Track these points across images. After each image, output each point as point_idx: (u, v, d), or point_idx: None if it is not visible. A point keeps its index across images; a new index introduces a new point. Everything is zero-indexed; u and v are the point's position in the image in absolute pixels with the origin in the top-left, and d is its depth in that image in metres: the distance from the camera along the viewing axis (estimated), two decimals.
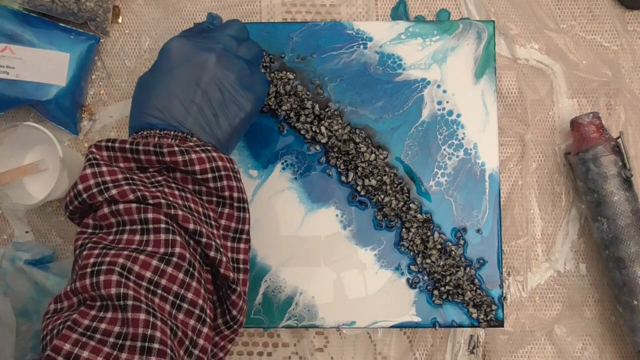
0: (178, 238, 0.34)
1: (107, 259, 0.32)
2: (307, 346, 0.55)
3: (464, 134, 0.52)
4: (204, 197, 0.38)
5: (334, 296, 0.50)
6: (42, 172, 0.52)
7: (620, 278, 0.50)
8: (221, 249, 0.36)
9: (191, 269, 0.34)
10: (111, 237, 0.34)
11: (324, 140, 0.52)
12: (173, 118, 0.39)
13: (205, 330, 0.34)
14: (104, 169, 0.35)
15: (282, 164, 0.52)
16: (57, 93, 0.54)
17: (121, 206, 0.34)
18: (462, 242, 0.51)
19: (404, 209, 0.51)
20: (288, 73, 0.52)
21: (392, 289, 0.50)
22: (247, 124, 0.43)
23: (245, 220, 0.39)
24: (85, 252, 0.33)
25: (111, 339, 0.30)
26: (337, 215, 0.51)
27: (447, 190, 0.51)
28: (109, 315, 0.31)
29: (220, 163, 0.37)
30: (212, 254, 0.35)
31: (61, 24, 0.55)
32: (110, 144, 0.37)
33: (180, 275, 0.33)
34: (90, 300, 0.32)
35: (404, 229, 0.51)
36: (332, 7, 0.58)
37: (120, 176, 0.35)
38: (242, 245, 0.39)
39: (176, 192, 0.36)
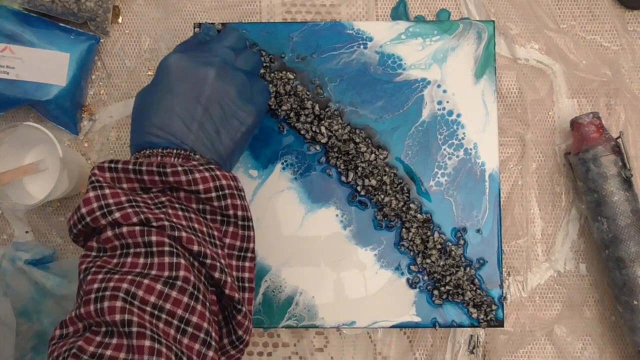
0: (182, 261, 0.34)
1: (111, 284, 0.32)
2: (307, 346, 0.55)
3: (464, 133, 0.52)
4: (208, 216, 0.38)
5: (334, 296, 0.50)
6: (42, 172, 0.52)
7: (620, 278, 0.50)
8: (226, 269, 0.36)
9: (196, 292, 0.34)
10: (115, 261, 0.34)
11: (324, 140, 0.52)
12: (175, 136, 0.39)
13: (211, 354, 0.34)
14: (107, 191, 0.35)
15: (282, 164, 0.52)
16: (57, 93, 0.54)
17: (125, 229, 0.34)
18: (462, 242, 0.51)
19: (404, 209, 0.51)
20: (288, 73, 0.52)
21: (392, 289, 0.50)
22: (249, 137, 0.43)
23: (250, 238, 0.39)
24: (89, 277, 0.33)
25: None
26: (337, 215, 0.51)
27: (447, 190, 0.51)
28: (114, 341, 0.31)
29: (224, 182, 0.37)
30: (217, 275, 0.35)
31: (61, 24, 0.55)
32: (113, 165, 0.37)
33: (185, 299, 0.33)
34: (95, 326, 0.32)
35: (404, 229, 0.51)
36: (332, 7, 0.58)
37: (123, 198, 0.35)
38: (247, 264, 0.39)
39: (180, 213, 0.36)
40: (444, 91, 0.52)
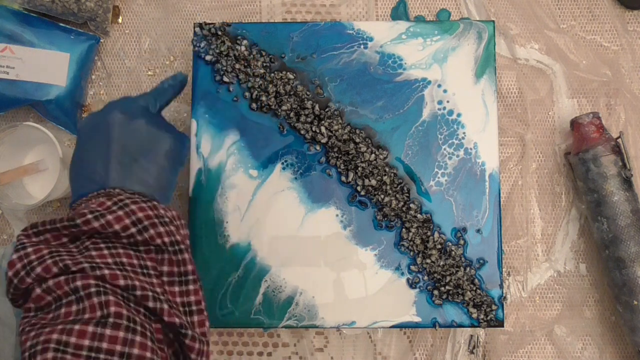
0: (111, 297, 0.34)
1: (42, 337, 0.32)
2: (307, 346, 0.55)
3: (464, 133, 0.52)
4: (142, 248, 0.38)
5: (334, 296, 0.50)
6: (42, 172, 0.52)
7: (620, 278, 0.50)
8: (161, 297, 0.36)
9: (132, 325, 0.34)
10: (51, 315, 0.34)
11: (324, 140, 0.52)
12: (97, 181, 0.39)
13: None
14: (29, 249, 0.35)
15: (282, 164, 0.52)
16: (57, 93, 0.54)
17: (50, 282, 0.34)
18: (462, 242, 0.51)
19: (404, 209, 0.51)
20: (288, 73, 0.52)
21: (392, 289, 0.50)
22: (177, 158, 0.43)
23: (185, 261, 0.39)
24: (23, 337, 0.33)
25: None
26: (337, 215, 0.51)
27: (447, 190, 0.51)
28: None
29: (140, 214, 0.37)
30: (150, 304, 0.35)
31: (61, 24, 0.55)
32: (35, 230, 0.37)
33: (121, 334, 0.33)
34: None
35: (404, 229, 0.51)
36: (332, 7, 0.58)
37: (45, 252, 0.35)
38: (190, 287, 0.39)
39: (105, 252, 0.36)
40: (445, 91, 0.52)
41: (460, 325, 0.50)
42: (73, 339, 0.32)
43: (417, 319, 0.50)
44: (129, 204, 0.37)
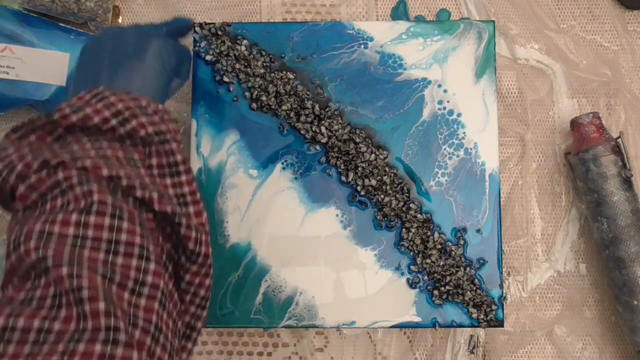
0: (94, 186, 0.33)
1: (25, 229, 0.31)
2: (307, 346, 0.55)
3: (464, 133, 0.52)
4: (128, 141, 0.37)
5: (334, 296, 0.50)
6: None
7: (620, 278, 0.50)
8: (149, 185, 0.35)
9: (118, 211, 0.33)
10: (37, 212, 0.33)
11: (324, 140, 0.52)
12: (87, 85, 0.39)
13: (152, 266, 0.33)
14: (10, 150, 0.34)
15: (282, 163, 0.52)
16: (57, 93, 0.54)
17: (33, 178, 0.33)
18: (462, 242, 0.51)
19: (404, 209, 0.51)
20: (288, 73, 0.52)
21: (392, 289, 0.50)
22: (174, 68, 0.43)
23: (172, 151, 0.37)
24: (9, 233, 0.33)
25: (48, 301, 0.30)
26: (337, 215, 0.51)
27: (447, 190, 0.51)
28: (42, 281, 0.30)
29: (120, 105, 0.36)
30: (138, 193, 0.34)
31: (61, 24, 0.55)
32: (18, 134, 0.36)
33: (107, 220, 0.32)
34: (25, 273, 0.31)
35: (404, 229, 0.51)
36: (332, 7, 0.58)
37: (26, 150, 0.34)
38: (183, 178, 0.37)
39: (88, 145, 0.35)
40: (445, 91, 0.52)
41: (460, 325, 0.50)
42: (56, 228, 0.31)
43: (417, 319, 0.50)
44: (108, 96, 0.36)
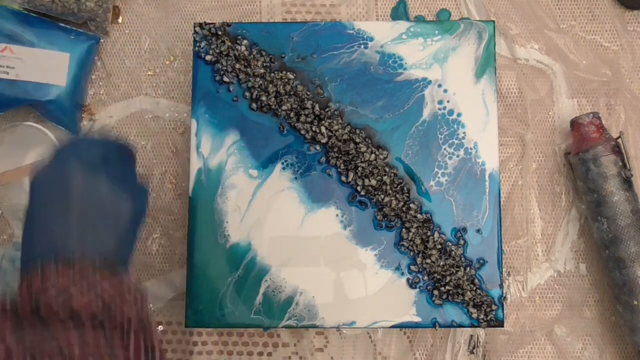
0: None
1: None
2: (307, 346, 0.55)
3: (464, 133, 0.52)
4: (107, 326, 0.35)
5: (334, 296, 0.50)
6: None
7: (620, 278, 0.50)
8: None
9: None
10: None
11: (324, 140, 0.52)
12: (56, 246, 0.36)
13: None
14: None
15: (282, 164, 0.52)
16: (57, 93, 0.54)
17: None
18: (462, 242, 0.51)
19: (404, 209, 0.51)
20: (288, 73, 0.52)
21: (392, 289, 0.50)
22: (139, 216, 0.40)
23: (152, 347, 0.35)
24: None
25: None
26: (337, 215, 0.51)
27: (447, 190, 0.51)
28: None
29: (106, 296, 0.34)
30: None
31: (61, 24, 0.55)
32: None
33: None
34: None
35: (404, 229, 0.51)
36: (332, 7, 0.58)
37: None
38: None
39: (74, 333, 0.33)
40: (445, 91, 0.52)
41: (460, 325, 0.50)
42: None
43: (417, 319, 0.50)
44: (93, 274, 0.34)
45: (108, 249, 0.38)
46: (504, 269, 0.55)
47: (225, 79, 0.52)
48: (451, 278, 0.50)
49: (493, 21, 0.53)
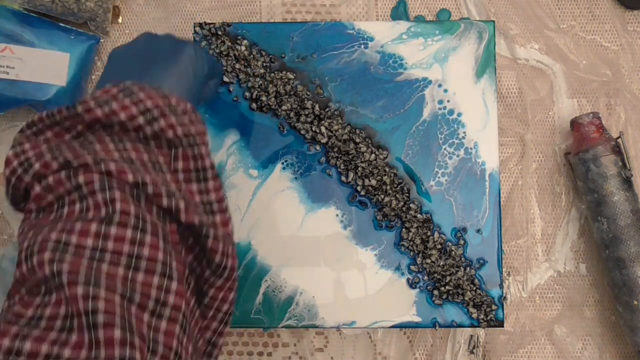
0: (117, 194, 0.30)
1: (40, 237, 0.29)
2: (307, 346, 0.55)
3: (464, 133, 0.52)
4: (153, 142, 0.34)
5: (334, 296, 0.50)
6: None
7: (620, 278, 0.50)
8: (176, 194, 0.32)
9: (141, 223, 0.30)
10: (52, 216, 0.31)
11: (324, 140, 0.52)
12: (120, 78, 0.36)
13: (174, 285, 0.30)
14: (26, 146, 0.32)
15: (282, 163, 0.52)
16: (57, 93, 0.54)
17: (50, 179, 0.30)
18: (462, 242, 0.51)
19: (404, 209, 0.51)
20: (288, 73, 0.52)
21: (392, 289, 0.50)
22: (200, 65, 0.40)
23: (201, 156, 0.35)
24: (20, 238, 0.30)
25: (58, 322, 0.27)
26: (337, 215, 0.51)
27: (447, 190, 0.51)
28: (53, 298, 0.27)
29: (149, 103, 0.33)
30: (164, 202, 0.31)
31: (61, 24, 0.55)
32: (34, 129, 0.33)
33: (129, 233, 0.29)
34: (35, 286, 0.29)
35: (404, 229, 0.51)
36: (332, 7, 0.58)
37: (43, 147, 0.31)
38: (210, 184, 0.35)
39: (111, 146, 0.32)
40: (445, 90, 0.52)
41: (460, 325, 0.50)
42: (74, 239, 0.28)
43: (417, 319, 0.50)
44: (137, 92, 0.33)
45: (165, 85, 0.37)
46: (504, 269, 0.55)
47: (225, 79, 0.52)
48: (451, 278, 0.50)
49: (493, 21, 0.53)
